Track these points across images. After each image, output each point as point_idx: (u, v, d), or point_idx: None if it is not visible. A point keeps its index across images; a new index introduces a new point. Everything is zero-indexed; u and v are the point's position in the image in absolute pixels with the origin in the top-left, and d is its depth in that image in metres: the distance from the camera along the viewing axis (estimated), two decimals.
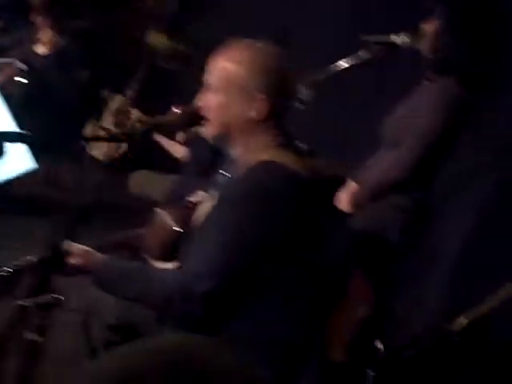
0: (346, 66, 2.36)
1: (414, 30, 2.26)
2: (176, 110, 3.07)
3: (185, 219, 1.77)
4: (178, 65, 3.90)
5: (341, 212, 2.23)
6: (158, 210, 1.81)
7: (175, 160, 3.33)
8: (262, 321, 1.58)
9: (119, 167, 4.12)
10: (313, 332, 1.70)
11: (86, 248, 1.60)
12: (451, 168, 2.39)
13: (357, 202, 2.24)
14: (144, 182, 3.15)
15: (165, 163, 3.44)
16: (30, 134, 1.60)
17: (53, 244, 1.38)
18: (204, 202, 1.72)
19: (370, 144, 2.36)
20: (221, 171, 1.74)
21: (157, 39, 3.82)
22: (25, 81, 2.86)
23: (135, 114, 4.62)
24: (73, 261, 1.56)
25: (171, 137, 3.32)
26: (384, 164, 2.25)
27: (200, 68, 1.67)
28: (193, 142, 3.11)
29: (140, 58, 4.55)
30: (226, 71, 1.59)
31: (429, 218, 2.29)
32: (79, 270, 1.58)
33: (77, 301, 1.75)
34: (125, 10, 5.43)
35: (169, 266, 1.72)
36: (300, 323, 1.63)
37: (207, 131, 1.67)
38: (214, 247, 1.51)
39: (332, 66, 2.37)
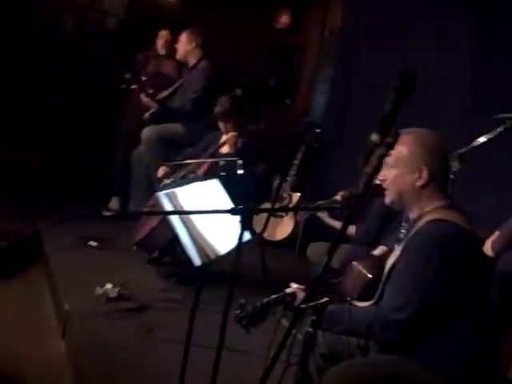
0: (485, 140, 2.86)
1: None
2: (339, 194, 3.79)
3: (374, 268, 2.33)
4: None
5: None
6: (354, 263, 2.38)
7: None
8: (446, 346, 2.04)
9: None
10: (488, 355, 2.13)
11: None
12: None
13: (497, 248, 2.69)
14: (320, 252, 3.74)
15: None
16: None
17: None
18: (391, 254, 2.26)
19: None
20: (402, 230, 2.29)
21: None
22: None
23: (296, 197, 5.36)
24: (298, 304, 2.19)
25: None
26: None
27: None
28: (359, 219, 3.73)
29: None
30: (399, 152, 2.15)
31: None
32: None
33: None
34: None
35: (366, 304, 2.26)
36: (476, 348, 2.07)
37: (387, 198, 2.23)
38: (406, 286, 2.03)
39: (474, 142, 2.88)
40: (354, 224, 3.81)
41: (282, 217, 5.42)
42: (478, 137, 2.96)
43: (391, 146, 1.53)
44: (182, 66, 5.60)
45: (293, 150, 5.35)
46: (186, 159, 4.61)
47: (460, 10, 4.24)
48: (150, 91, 5.21)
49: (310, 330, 1.73)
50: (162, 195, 2.38)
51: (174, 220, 2.36)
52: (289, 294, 2.21)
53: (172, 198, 2.37)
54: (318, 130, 5.59)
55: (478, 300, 2.09)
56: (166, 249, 4.46)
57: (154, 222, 4.12)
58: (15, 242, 4.49)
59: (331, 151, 5.61)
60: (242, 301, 2.17)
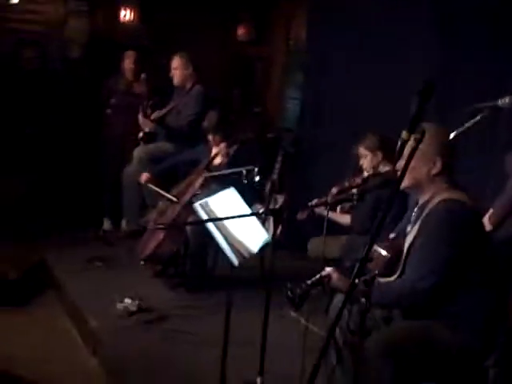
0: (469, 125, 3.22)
1: None
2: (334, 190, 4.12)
3: (392, 248, 2.64)
4: None
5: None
6: (375, 246, 2.67)
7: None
8: (463, 307, 2.37)
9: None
10: (500, 309, 2.48)
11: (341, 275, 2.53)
12: None
13: (494, 222, 3.07)
14: (321, 245, 4.04)
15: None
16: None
17: None
18: (408, 233, 2.57)
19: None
20: (414, 212, 2.60)
21: None
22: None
23: (280, 199, 5.63)
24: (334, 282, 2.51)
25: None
26: (509, 191, 3.09)
27: None
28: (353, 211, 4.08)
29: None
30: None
31: None
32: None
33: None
34: None
35: (391, 278, 2.56)
36: (489, 305, 2.41)
37: (403, 185, 2.52)
38: (427, 258, 2.35)
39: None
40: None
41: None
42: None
43: (420, 141, 1.84)
44: (150, 84, 5.87)
45: (272, 155, 5.63)
46: (171, 167, 4.92)
47: (422, 13, 4.64)
48: (149, 112, 5.39)
49: (363, 300, 2.03)
50: (197, 206, 2.64)
51: (211, 227, 2.63)
52: (325, 276, 2.53)
53: (205, 207, 2.64)
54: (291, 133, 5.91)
55: (485, 265, 2.43)
56: (169, 261, 4.71)
57: (159, 236, 4.35)
58: (24, 272, 4.65)
59: (309, 154, 5.93)
60: (289, 285, 2.47)
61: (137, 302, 3.98)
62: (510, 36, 3.93)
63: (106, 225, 5.83)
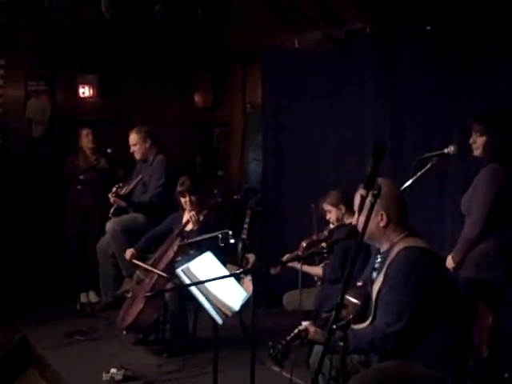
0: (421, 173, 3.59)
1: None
2: (303, 244, 4.36)
3: (361, 296, 2.85)
4: None
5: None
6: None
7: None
8: (432, 344, 2.60)
9: None
10: (465, 342, 2.71)
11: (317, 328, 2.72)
12: None
13: (458, 259, 3.34)
14: (296, 299, 4.23)
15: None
16: None
17: None
18: (374, 281, 2.79)
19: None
20: (377, 261, 2.83)
21: None
22: None
23: (251, 258, 5.80)
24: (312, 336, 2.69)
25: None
26: (465, 228, 3.40)
27: None
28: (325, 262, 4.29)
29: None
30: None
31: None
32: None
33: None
34: None
35: (363, 325, 2.77)
36: (456, 339, 2.65)
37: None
38: (395, 304, 2.57)
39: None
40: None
41: (242, 278, 5.85)
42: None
43: (377, 196, 2.08)
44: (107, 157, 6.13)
45: (239, 216, 5.84)
46: (150, 241, 5.07)
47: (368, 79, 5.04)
48: (121, 192, 5.52)
49: (341, 343, 2.23)
50: (179, 271, 2.84)
51: (194, 290, 2.82)
52: (302, 330, 2.71)
53: (186, 272, 2.83)
54: (255, 192, 6.16)
55: (448, 302, 2.67)
56: (150, 328, 4.82)
57: (139, 304, 4.48)
58: (6, 353, 4.69)
59: (275, 211, 6.18)
60: (270, 343, 2.63)
61: (122, 370, 4.08)
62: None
63: (83, 298, 5.91)
